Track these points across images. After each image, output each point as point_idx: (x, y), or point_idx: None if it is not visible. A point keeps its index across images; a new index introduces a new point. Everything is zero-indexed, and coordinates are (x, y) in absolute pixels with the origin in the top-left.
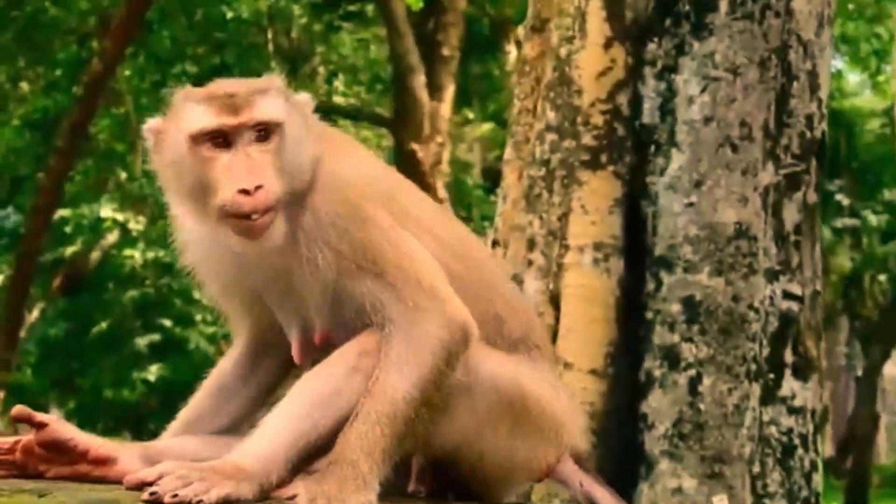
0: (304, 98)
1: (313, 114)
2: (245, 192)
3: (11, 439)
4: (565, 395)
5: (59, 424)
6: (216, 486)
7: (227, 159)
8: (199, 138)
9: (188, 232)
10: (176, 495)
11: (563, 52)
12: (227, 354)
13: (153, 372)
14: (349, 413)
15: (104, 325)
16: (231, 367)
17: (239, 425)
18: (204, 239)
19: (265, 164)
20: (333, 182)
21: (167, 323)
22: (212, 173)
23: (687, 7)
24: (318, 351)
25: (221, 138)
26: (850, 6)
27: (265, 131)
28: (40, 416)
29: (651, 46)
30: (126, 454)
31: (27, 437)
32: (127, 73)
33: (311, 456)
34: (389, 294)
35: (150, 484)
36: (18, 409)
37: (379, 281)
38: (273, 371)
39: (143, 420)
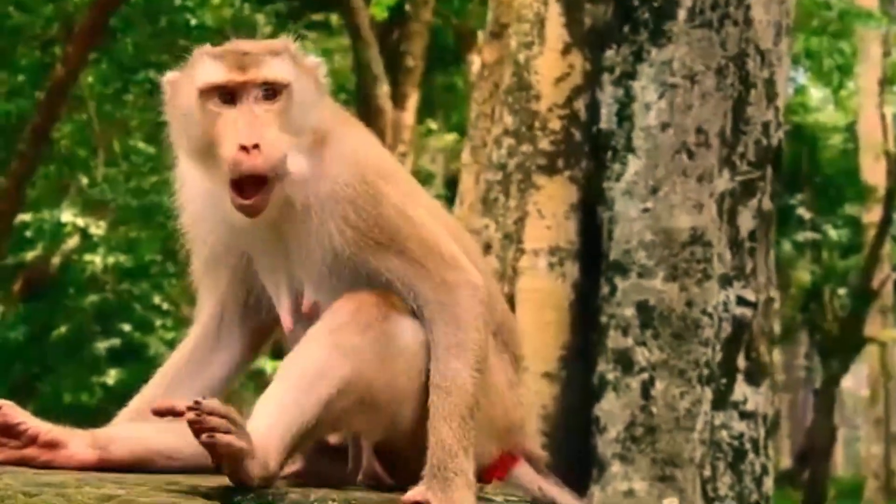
0: (316, 62)
1: (322, 73)
2: (244, 149)
3: None
4: (519, 395)
5: (10, 409)
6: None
7: (231, 115)
8: (207, 92)
9: (189, 189)
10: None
11: (521, 57)
12: (183, 342)
13: (112, 376)
14: (337, 392)
15: (64, 329)
16: (188, 351)
17: None
18: (204, 197)
19: (268, 123)
20: (349, 157)
21: (127, 328)
22: (216, 128)
23: (646, 14)
24: (305, 318)
25: (229, 94)
26: (814, 21)
27: (272, 91)
28: None
29: (609, 53)
30: (75, 440)
31: None
32: (90, 79)
33: (304, 440)
34: (416, 271)
35: (180, 414)
36: None
37: (402, 258)
38: (231, 356)
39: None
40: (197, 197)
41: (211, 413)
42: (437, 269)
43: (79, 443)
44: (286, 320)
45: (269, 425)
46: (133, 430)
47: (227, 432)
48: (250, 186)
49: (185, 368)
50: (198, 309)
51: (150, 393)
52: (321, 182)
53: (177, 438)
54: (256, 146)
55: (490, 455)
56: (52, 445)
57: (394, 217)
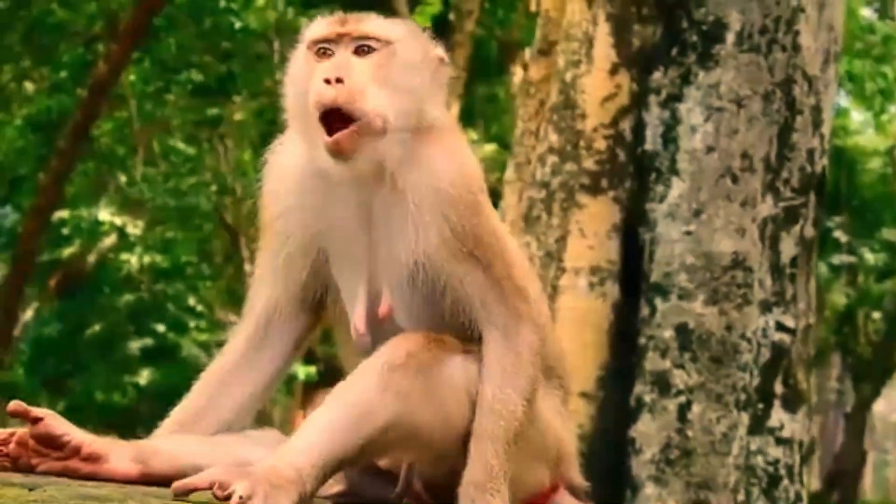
0: (439, 52)
1: (443, 68)
2: (328, 82)
3: (6, 431)
4: (569, 428)
5: (53, 419)
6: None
7: (325, 63)
8: (310, 47)
9: (283, 179)
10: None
11: (568, 76)
12: (228, 343)
13: (144, 377)
14: (382, 429)
15: (98, 327)
16: (232, 356)
17: (238, 420)
18: (300, 187)
19: (356, 70)
20: (457, 160)
21: (161, 328)
22: (310, 79)
23: (694, 37)
24: (379, 323)
25: (328, 48)
26: (857, 45)
27: (368, 46)
28: (36, 411)
29: (656, 74)
30: (118, 452)
31: (22, 430)
32: (132, 77)
33: (344, 466)
34: (495, 292)
35: (197, 490)
36: (15, 404)
37: (487, 275)
38: (276, 358)
39: (133, 424)
40: (291, 188)
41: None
42: (513, 295)
43: (121, 455)
44: (359, 323)
45: (309, 445)
46: (175, 443)
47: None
48: (338, 124)
49: (228, 375)
50: (249, 307)
51: (193, 402)
52: (425, 173)
53: (220, 452)
54: (340, 80)
55: (541, 484)
56: (94, 458)
57: (488, 233)
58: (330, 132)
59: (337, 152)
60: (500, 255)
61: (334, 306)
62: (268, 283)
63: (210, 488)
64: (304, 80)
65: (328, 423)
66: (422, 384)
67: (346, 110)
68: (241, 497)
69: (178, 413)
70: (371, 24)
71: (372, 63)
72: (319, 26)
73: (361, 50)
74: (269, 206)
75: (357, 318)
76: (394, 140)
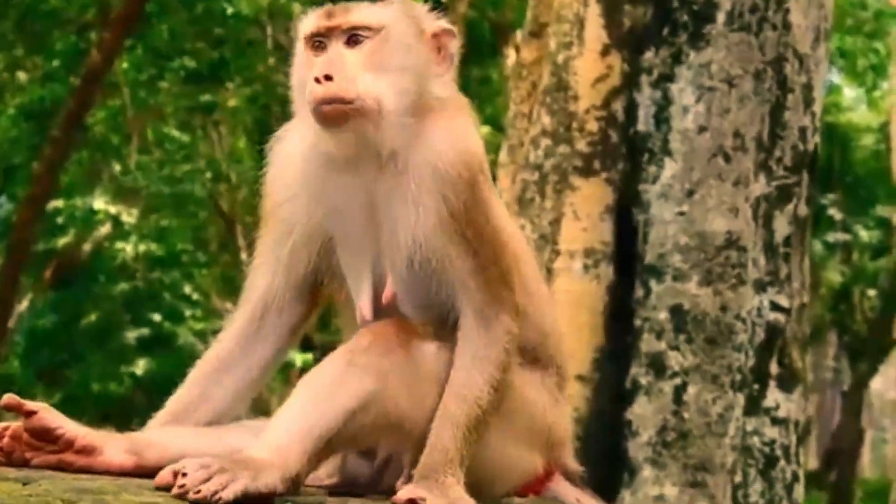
0: (438, 26)
1: (447, 40)
2: (318, 80)
3: (0, 426)
4: (564, 412)
5: (47, 413)
6: (235, 480)
7: (317, 58)
8: (305, 44)
9: (289, 167)
10: (199, 490)
11: (560, 57)
12: (224, 332)
13: (141, 366)
14: (355, 405)
15: (93, 317)
16: (226, 345)
17: (232, 410)
18: (305, 174)
19: (348, 63)
20: (458, 139)
21: (156, 317)
22: (308, 73)
23: (685, 17)
24: (383, 310)
25: (321, 42)
26: (849, 21)
27: (358, 36)
28: (29, 405)
29: (648, 55)
30: (112, 445)
31: (16, 423)
32: (125, 65)
33: (328, 448)
34: (480, 278)
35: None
36: (8, 397)
37: (475, 259)
38: (272, 345)
39: (129, 414)
40: (296, 175)
41: (196, 480)
42: (496, 281)
43: (115, 448)
44: (364, 309)
45: (286, 431)
46: (169, 434)
47: (224, 486)
48: (333, 119)
49: (222, 365)
50: (245, 295)
51: (187, 393)
52: (426, 153)
53: (214, 443)
54: (329, 77)
55: (533, 470)
56: (88, 450)
57: (481, 215)
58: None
59: (323, 118)
60: (491, 239)
61: (340, 292)
62: (267, 271)
63: (174, 478)
64: (302, 74)
65: (300, 405)
66: (393, 362)
67: (331, 98)
68: (184, 485)
69: (171, 404)
70: (359, 13)
71: (364, 52)
72: (310, 21)
73: (353, 40)
74: (272, 194)
75: (363, 304)
76: (392, 122)
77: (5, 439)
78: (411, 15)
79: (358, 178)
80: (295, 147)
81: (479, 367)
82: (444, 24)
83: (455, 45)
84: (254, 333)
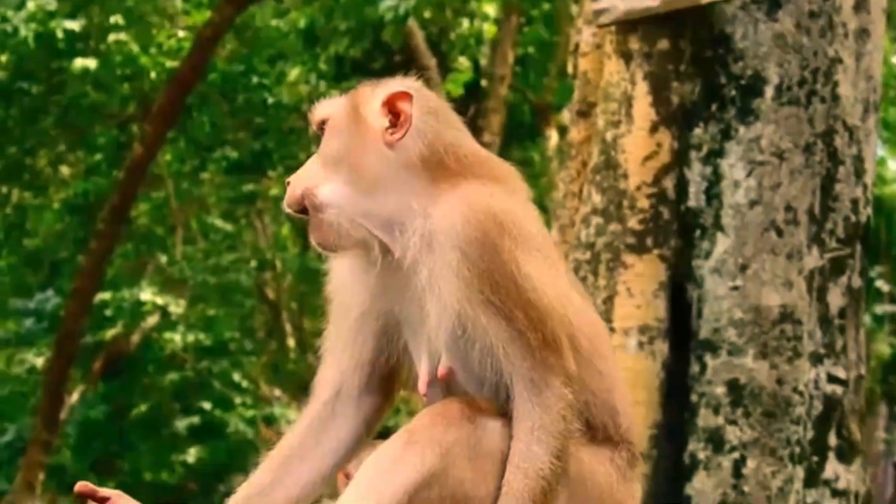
0: (386, 93)
1: (402, 104)
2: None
3: None
4: (633, 489)
5: (119, 499)
6: None
7: None
8: None
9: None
10: None
11: (608, 136)
12: (293, 425)
13: (192, 454)
14: (417, 482)
15: (144, 407)
16: (299, 433)
17: (304, 497)
18: (350, 262)
19: (308, 162)
20: (459, 204)
21: (206, 406)
22: None
23: (733, 92)
24: (440, 384)
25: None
26: (892, 92)
27: (323, 131)
28: (103, 491)
29: (697, 131)
30: None
31: None
32: (167, 157)
33: None
34: (519, 342)
35: None
36: (81, 484)
37: (510, 325)
38: (346, 434)
39: (183, 503)
40: (345, 262)
41: None
42: (540, 348)
43: None
44: (421, 384)
45: None
46: None
47: None
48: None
49: (295, 451)
50: (316, 381)
51: (260, 479)
52: (429, 222)
53: None
54: (289, 183)
55: None
56: None
57: (509, 275)
58: None
59: (322, 249)
60: (526, 303)
61: (409, 374)
62: (334, 357)
63: None
64: None
65: (361, 487)
66: (455, 438)
67: (290, 207)
68: None
69: (243, 489)
70: (319, 109)
71: (320, 148)
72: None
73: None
74: (331, 280)
75: (420, 381)
76: (348, 211)
77: None
78: (356, 94)
79: (378, 270)
80: None
81: (536, 438)
82: (397, 87)
83: (409, 106)
84: (325, 422)
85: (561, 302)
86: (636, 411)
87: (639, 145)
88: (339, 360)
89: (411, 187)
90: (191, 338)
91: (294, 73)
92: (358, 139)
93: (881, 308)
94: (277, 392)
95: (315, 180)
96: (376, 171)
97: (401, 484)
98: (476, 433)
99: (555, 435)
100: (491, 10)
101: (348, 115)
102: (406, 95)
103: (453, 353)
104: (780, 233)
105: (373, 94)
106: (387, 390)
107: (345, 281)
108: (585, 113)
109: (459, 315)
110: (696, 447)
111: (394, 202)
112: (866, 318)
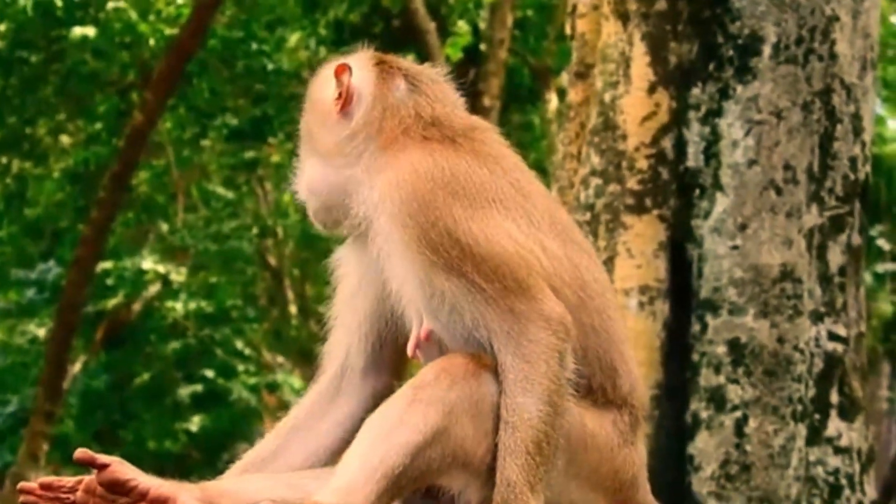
0: (331, 68)
1: (343, 77)
2: None
3: (74, 479)
4: (636, 451)
5: (119, 465)
6: None
7: None
8: None
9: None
10: None
11: (607, 97)
12: (306, 393)
13: (195, 423)
14: (421, 440)
15: (146, 376)
16: (306, 405)
17: (308, 466)
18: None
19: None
20: (403, 169)
21: (209, 374)
22: None
23: (730, 51)
24: (429, 345)
25: None
26: (892, 51)
27: None
28: (102, 458)
29: (695, 91)
30: (185, 495)
31: (89, 477)
32: (167, 125)
33: (395, 487)
34: (480, 297)
35: None
36: (81, 451)
37: (463, 281)
38: (352, 408)
39: (186, 471)
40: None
41: None
42: (504, 298)
43: (188, 497)
44: (410, 346)
45: (353, 473)
46: (242, 482)
47: None
48: None
49: (301, 423)
50: (325, 353)
51: (265, 447)
52: (371, 200)
53: (286, 490)
54: None
55: None
56: (161, 501)
57: (448, 231)
58: None
59: (321, 228)
60: (472, 256)
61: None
62: (337, 331)
63: None
64: None
65: (365, 445)
66: (458, 396)
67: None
68: None
69: (248, 456)
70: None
71: None
72: None
73: None
74: (334, 255)
75: (409, 344)
76: (318, 188)
77: (79, 493)
78: (321, 71)
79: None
80: None
81: (521, 389)
82: (341, 60)
83: (348, 77)
84: (332, 395)
85: (526, 250)
86: (638, 371)
87: (637, 106)
88: (342, 334)
89: (360, 157)
90: (192, 306)
91: (294, 38)
92: (316, 114)
93: (882, 267)
94: (280, 359)
95: (298, 165)
96: (330, 143)
97: (404, 444)
98: (480, 390)
99: (540, 382)
100: None
101: (311, 91)
102: (345, 67)
103: (430, 314)
104: (779, 191)
105: (328, 69)
106: (395, 365)
107: (343, 255)
108: (583, 74)
109: (419, 279)
110: (698, 407)
111: (347, 173)
112: (868, 277)
